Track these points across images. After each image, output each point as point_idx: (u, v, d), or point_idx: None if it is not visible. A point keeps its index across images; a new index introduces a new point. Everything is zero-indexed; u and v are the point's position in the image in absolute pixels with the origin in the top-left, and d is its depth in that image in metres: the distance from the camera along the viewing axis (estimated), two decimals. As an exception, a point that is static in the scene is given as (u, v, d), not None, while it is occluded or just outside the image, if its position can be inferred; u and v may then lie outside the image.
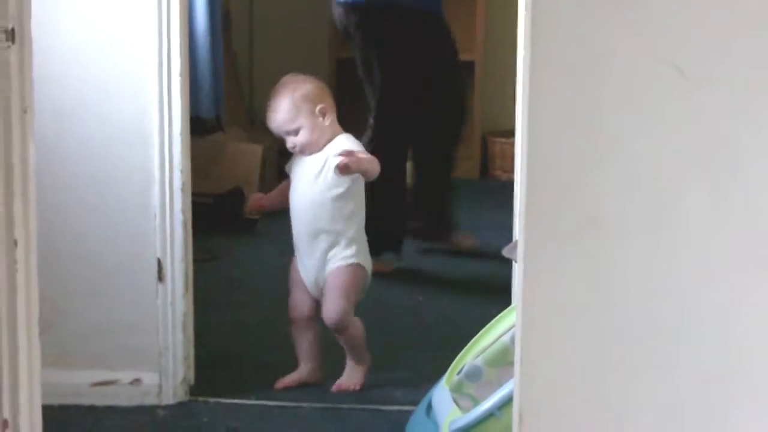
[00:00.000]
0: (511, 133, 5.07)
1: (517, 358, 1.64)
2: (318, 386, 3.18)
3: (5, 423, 1.62)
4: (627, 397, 1.61)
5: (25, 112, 1.61)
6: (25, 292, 1.64)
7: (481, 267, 4.38)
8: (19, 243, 1.61)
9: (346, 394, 3.17)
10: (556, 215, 1.57)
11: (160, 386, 3.08)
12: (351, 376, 3.21)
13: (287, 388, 3.17)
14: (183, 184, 3.03)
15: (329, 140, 3.14)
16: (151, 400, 3.08)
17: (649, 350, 1.59)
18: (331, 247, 3.13)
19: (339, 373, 3.22)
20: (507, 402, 2.46)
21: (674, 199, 1.56)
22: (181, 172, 3.02)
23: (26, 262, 1.64)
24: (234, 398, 3.13)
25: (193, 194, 3.11)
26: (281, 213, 3.27)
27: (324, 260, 3.14)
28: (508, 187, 3.60)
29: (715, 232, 1.56)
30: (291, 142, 3.15)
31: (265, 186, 4.63)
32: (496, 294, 3.60)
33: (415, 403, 2.89)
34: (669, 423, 1.61)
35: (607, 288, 1.59)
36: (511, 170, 4.53)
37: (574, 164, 1.56)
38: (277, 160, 4.94)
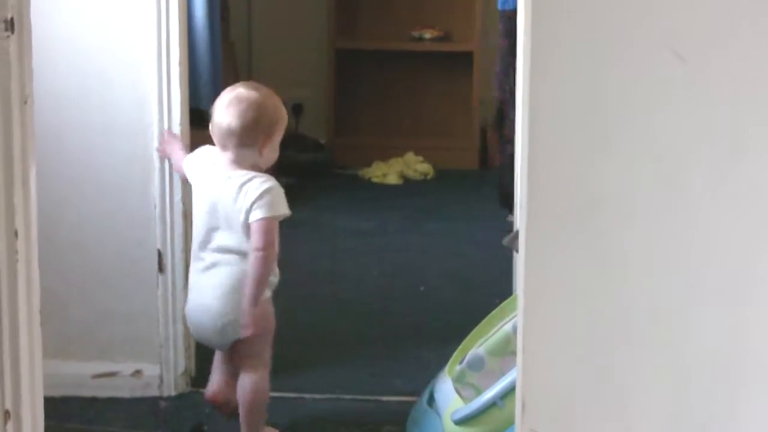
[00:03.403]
0: (510, 123, 5.10)
1: (519, 346, 1.63)
2: (320, 375, 3.15)
3: (7, 414, 1.62)
4: (631, 383, 1.60)
5: (24, 102, 1.61)
6: (25, 283, 1.63)
7: (483, 256, 4.38)
8: (19, 233, 1.61)
9: (347, 384, 3.16)
10: (559, 199, 1.57)
11: (161, 377, 3.08)
12: None
13: (289, 378, 3.14)
14: (183, 175, 3.02)
15: None
16: (152, 392, 3.08)
17: (654, 334, 1.59)
18: None
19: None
20: (510, 391, 2.46)
21: (677, 181, 1.56)
22: (181, 162, 3.01)
23: (27, 253, 1.64)
24: (235, 389, 3.12)
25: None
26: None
27: None
28: (509, 176, 3.59)
29: (719, 212, 1.56)
30: None
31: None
32: (498, 284, 3.60)
33: (417, 393, 2.89)
34: (674, 407, 1.60)
35: (611, 271, 1.58)
36: (511, 160, 4.54)
37: (577, 147, 1.56)
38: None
